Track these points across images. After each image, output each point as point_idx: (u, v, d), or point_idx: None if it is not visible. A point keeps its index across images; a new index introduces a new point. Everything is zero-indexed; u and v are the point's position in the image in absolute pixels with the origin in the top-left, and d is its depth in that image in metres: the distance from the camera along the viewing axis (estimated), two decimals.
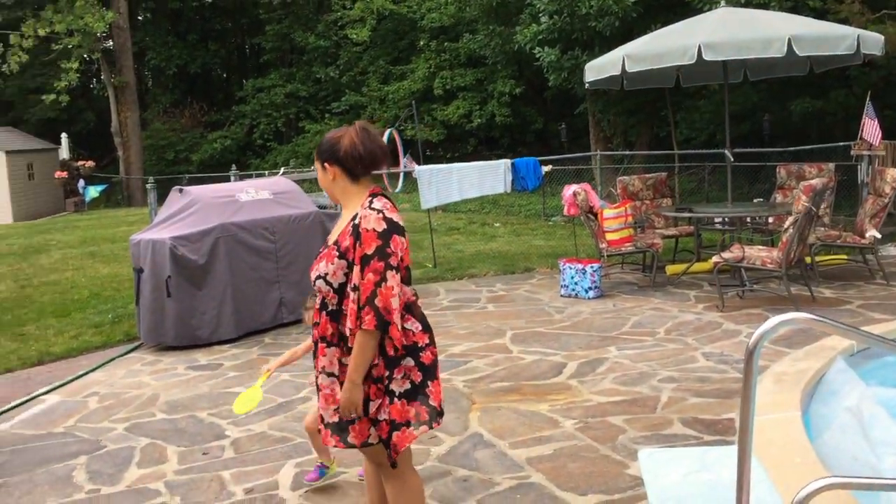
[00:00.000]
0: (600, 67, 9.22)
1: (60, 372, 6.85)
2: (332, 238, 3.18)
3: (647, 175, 10.31)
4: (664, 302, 8.04)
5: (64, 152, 25.15)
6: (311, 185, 13.83)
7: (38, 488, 4.47)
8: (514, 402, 5.39)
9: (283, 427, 5.21)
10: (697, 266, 9.17)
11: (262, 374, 4.09)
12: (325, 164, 3.15)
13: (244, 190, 8.15)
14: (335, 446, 3.17)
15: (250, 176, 14.74)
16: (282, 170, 14.33)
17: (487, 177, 10.35)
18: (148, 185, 9.67)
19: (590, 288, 8.38)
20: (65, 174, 23.47)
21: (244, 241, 7.63)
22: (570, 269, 8.52)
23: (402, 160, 14.85)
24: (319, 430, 3.27)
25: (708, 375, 5.71)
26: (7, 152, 21.46)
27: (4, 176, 21.24)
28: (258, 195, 8.08)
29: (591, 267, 8.43)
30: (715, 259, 7.89)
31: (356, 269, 2.99)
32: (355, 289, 2.98)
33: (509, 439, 4.77)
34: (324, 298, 3.13)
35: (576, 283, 8.47)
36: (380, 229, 3.00)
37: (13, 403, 5.99)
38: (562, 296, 8.54)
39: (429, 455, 4.59)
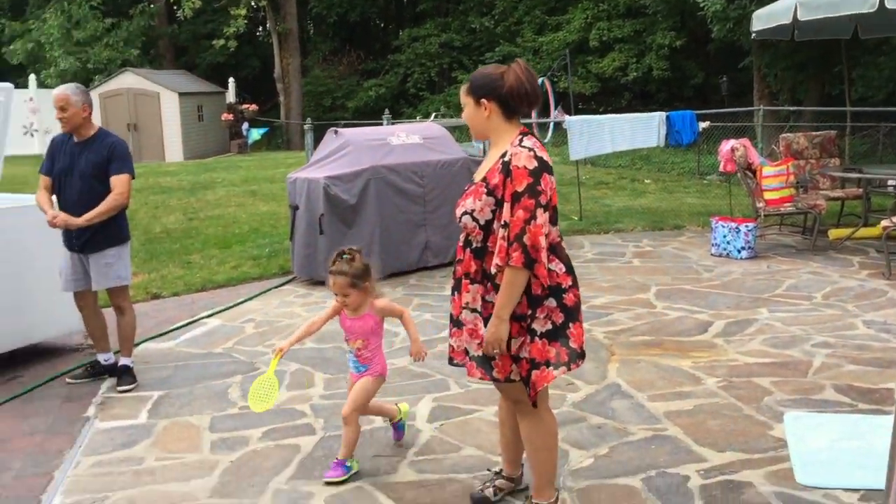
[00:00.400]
0: (769, 16, 8.71)
1: (221, 299, 7.30)
2: (478, 175, 3.19)
3: (815, 133, 9.70)
4: (824, 266, 7.60)
5: (230, 96, 26.44)
6: (459, 135, 13.92)
7: (196, 401, 4.81)
8: (655, 357, 5.29)
9: (424, 363, 5.34)
10: (864, 231, 8.59)
11: (274, 356, 3.75)
12: (483, 100, 3.13)
13: (395, 134, 8.31)
14: (480, 378, 3.22)
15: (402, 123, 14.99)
16: (432, 115, 14.47)
17: (640, 130, 10.07)
18: (305, 127, 10.03)
19: (742, 248, 8.04)
20: (230, 117, 24.69)
21: (393, 184, 7.80)
22: (723, 227, 8.20)
23: (553, 111, 14.66)
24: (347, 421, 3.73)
25: (868, 343, 5.38)
26: (181, 94, 22.78)
27: (177, 116, 22.59)
28: (408, 139, 8.21)
29: (746, 226, 8.07)
30: (884, 224, 7.36)
31: (506, 206, 2.99)
32: (505, 226, 2.99)
33: (647, 392, 4.70)
34: (468, 235, 3.16)
35: (728, 243, 8.15)
36: (531, 167, 2.99)
37: (179, 324, 6.46)
38: (712, 255, 8.24)
39: (564, 401, 4.59)
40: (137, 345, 5.61)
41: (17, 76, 24.50)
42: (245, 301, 7.18)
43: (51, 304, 5.48)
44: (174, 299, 7.34)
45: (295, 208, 7.72)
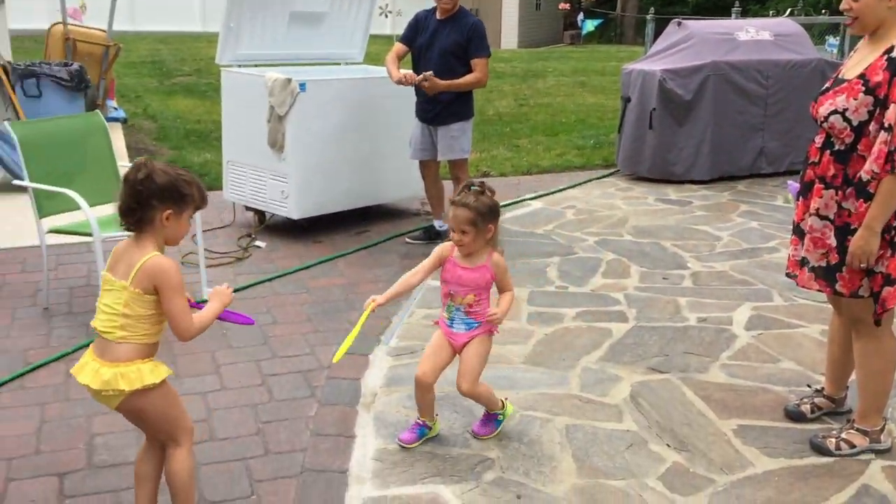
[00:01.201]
0: None
1: (544, 183, 7.52)
2: (850, 72, 2.90)
3: None
4: None
5: None
6: (813, 37, 12.64)
7: (517, 275, 5.06)
8: None
9: (746, 270, 5.15)
10: None
11: (366, 308, 3.07)
12: None
13: (744, 28, 7.78)
14: (818, 290, 3.05)
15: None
16: (787, 10, 13.28)
17: None
18: (648, 17, 9.71)
19: None
20: (568, 6, 24.61)
21: (734, 82, 7.37)
22: None
23: None
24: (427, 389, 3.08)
25: None
26: None
27: (516, 4, 23.00)
28: (758, 35, 7.65)
29: None
30: None
31: (892, 107, 2.71)
32: (888, 129, 2.72)
33: None
34: (828, 136, 2.92)
35: None
36: None
37: (505, 202, 6.79)
38: None
39: None
40: None
41: None
42: (567, 188, 7.33)
43: (398, 171, 6.02)
44: (501, 179, 7.69)
45: (627, 100, 7.61)
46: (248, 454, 3.08)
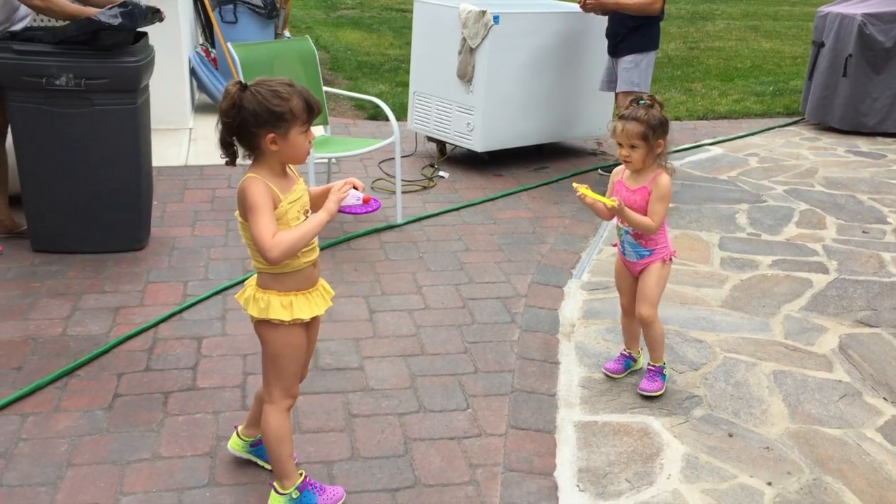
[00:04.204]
0: None
1: (722, 129, 7.28)
2: None
3: None
4: None
5: None
6: None
7: (705, 219, 4.98)
8: None
9: None
10: None
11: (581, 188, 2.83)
12: None
13: None
14: None
15: None
16: None
17: None
18: None
19: None
20: None
21: None
22: None
23: None
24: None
25: None
26: None
27: None
28: None
29: None
30: None
31: None
32: None
33: None
34: None
35: None
36: None
37: (683, 146, 6.62)
38: None
39: None
40: None
41: None
42: (748, 135, 7.07)
43: (581, 109, 5.98)
44: (676, 123, 7.47)
45: (819, 45, 7.21)
46: (458, 370, 3.22)
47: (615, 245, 3.16)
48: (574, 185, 2.86)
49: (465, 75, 5.52)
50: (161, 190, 4.95)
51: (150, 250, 4.17)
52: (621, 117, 2.87)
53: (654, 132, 2.83)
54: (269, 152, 2.12)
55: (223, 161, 2.19)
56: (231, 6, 7.06)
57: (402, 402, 2.97)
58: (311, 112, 2.13)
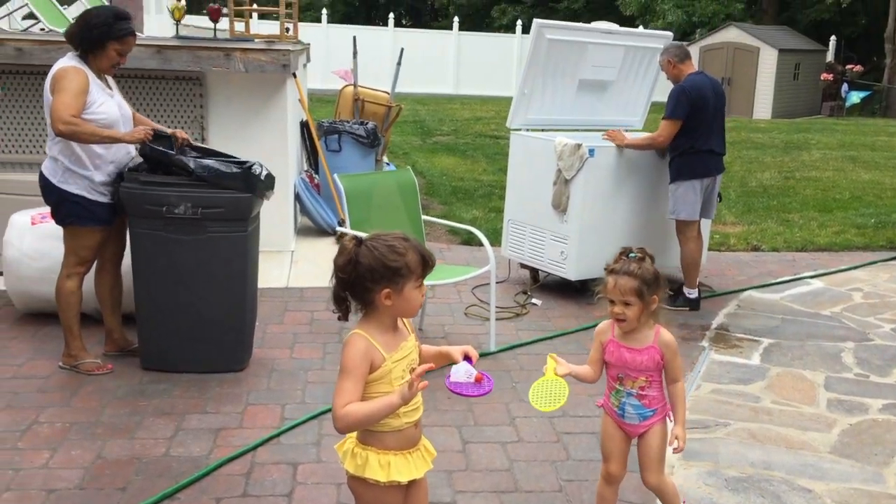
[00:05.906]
0: None
1: (822, 261, 7.11)
2: None
3: None
4: None
5: (830, 55, 24.93)
6: None
7: (808, 357, 4.82)
8: None
9: None
10: None
11: (550, 361, 2.81)
12: None
13: None
14: None
15: None
16: None
17: None
18: None
19: None
20: (830, 77, 23.33)
21: None
22: None
23: None
24: None
25: None
26: (780, 50, 22.19)
27: (772, 73, 22.10)
28: None
29: None
30: None
31: None
32: None
33: None
34: None
35: None
36: None
37: (782, 279, 6.49)
38: None
39: None
40: (740, 291, 6.10)
41: (629, 26, 26.42)
42: (851, 269, 6.88)
43: (669, 236, 5.98)
44: (773, 254, 7.36)
45: None
46: None
47: (600, 405, 2.92)
48: (549, 356, 2.76)
49: (560, 205, 5.61)
50: (263, 311, 5.11)
51: (251, 371, 4.29)
52: (611, 271, 2.72)
53: (649, 287, 2.67)
54: (383, 307, 2.13)
55: (335, 316, 2.20)
56: (336, 136, 7.43)
57: None
58: (426, 266, 2.14)
